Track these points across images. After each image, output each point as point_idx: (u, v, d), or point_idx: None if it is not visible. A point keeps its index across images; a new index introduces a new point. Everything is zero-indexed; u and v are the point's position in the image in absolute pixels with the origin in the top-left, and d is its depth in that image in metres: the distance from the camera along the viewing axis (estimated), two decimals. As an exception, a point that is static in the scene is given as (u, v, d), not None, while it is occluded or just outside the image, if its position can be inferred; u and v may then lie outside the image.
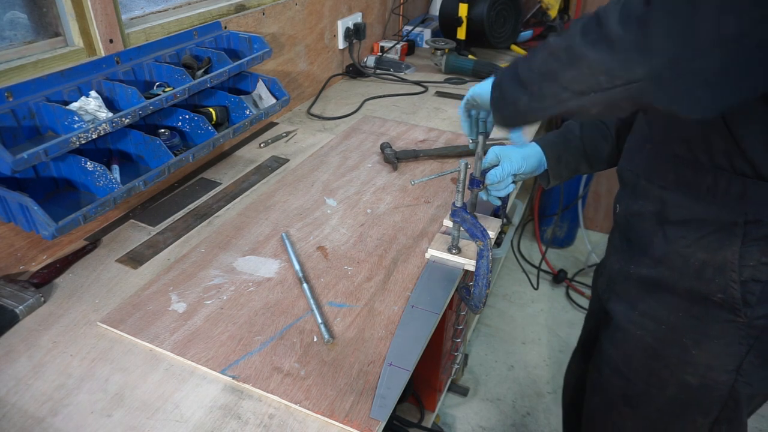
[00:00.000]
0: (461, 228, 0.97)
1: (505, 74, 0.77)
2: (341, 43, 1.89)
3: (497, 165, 1.00)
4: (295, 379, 0.78)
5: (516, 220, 2.54)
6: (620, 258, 0.95)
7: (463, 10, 1.94)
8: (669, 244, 0.84)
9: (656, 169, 0.84)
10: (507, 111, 0.78)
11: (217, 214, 1.17)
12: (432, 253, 1.02)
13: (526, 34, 2.29)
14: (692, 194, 0.79)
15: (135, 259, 1.04)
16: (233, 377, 0.78)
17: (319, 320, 0.87)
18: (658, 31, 0.54)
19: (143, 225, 1.14)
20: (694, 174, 0.78)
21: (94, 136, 0.95)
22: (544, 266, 2.67)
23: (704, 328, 0.84)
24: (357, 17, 1.94)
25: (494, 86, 0.80)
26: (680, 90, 0.56)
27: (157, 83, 1.17)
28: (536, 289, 2.52)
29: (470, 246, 1.03)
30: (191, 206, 1.20)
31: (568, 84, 0.65)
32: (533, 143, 1.05)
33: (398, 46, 2.08)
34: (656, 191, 0.84)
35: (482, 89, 0.88)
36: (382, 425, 0.72)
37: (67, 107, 0.98)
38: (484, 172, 1.00)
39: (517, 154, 1.01)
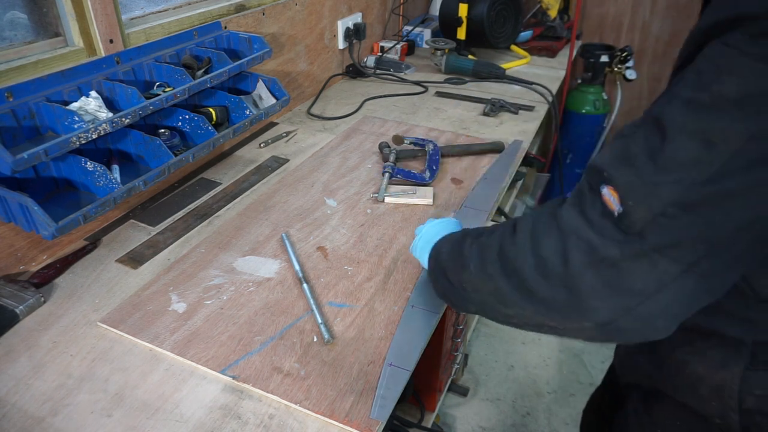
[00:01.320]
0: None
1: (438, 260, 0.78)
2: (341, 43, 1.89)
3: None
4: (295, 379, 0.78)
5: (516, 220, 2.54)
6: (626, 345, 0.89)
7: (463, 10, 1.94)
8: (672, 347, 0.74)
9: None
10: (437, 289, 0.81)
11: (217, 214, 1.17)
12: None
13: (526, 34, 2.29)
14: None
15: (135, 259, 1.04)
16: (233, 377, 0.78)
17: (319, 320, 0.87)
18: (591, 293, 0.54)
19: (143, 225, 1.14)
20: None
21: (94, 136, 0.95)
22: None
23: None
24: (357, 17, 1.94)
25: (430, 257, 0.82)
26: (637, 327, 0.54)
27: (157, 83, 1.17)
28: (536, 289, 2.52)
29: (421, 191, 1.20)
30: (191, 206, 1.20)
31: (503, 317, 0.66)
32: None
33: (398, 46, 2.08)
34: None
35: (423, 240, 0.88)
36: (382, 425, 0.72)
37: (67, 107, 0.98)
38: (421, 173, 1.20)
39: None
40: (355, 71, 1.95)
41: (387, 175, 1.22)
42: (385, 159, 1.31)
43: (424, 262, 0.86)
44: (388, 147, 1.38)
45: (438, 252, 0.79)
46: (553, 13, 2.27)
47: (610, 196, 0.54)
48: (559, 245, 0.56)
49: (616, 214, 0.53)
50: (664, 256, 0.51)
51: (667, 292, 0.52)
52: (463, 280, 0.70)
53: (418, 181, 1.24)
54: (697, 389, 0.71)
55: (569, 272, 0.54)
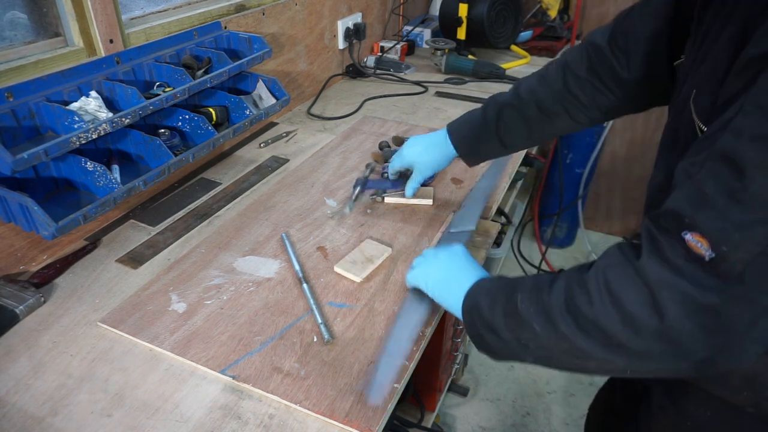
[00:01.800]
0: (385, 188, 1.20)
1: (479, 315, 0.73)
2: (341, 43, 1.89)
3: (409, 173, 1.12)
4: (295, 379, 0.78)
5: (516, 220, 2.55)
6: None
7: (463, 10, 1.94)
8: None
9: None
10: (479, 342, 0.76)
11: (217, 214, 1.17)
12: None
13: (526, 34, 2.29)
14: None
15: (135, 259, 1.04)
16: (233, 377, 0.78)
17: (319, 320, 0.87)
18: (691, 340, 0.53)
19: (143, 225, 1.14)
20: None
21: (94, 136, 0.95)
22: (544, 266, 2.67)
23: None
24: (357, 17, 1.94)
25: (465, 311, 0.76)
26: (732, 360, 0.54)
27: (157, 83, 1.17)
28: (536, 289, 2.52)
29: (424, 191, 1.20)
30: (191, 206, 1.20)
31: (579, 368, 0.64)
32: (446, 143, 1.07)
33: (398, 46, 2.08)
34: None
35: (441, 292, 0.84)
36: (383, 426, 0.72)
37: (67, 107, 0.98)
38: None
39: (429, 164, 1.08)
40: (355, 71, 1.95)
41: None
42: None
43: (425, 288, 0.86)
44: (389, 146, 1.38)
45: (475, 307, 0.74)
46: (553, 13, 2.27)
47: (697, 242, 0.52)
48: (647, 299, 0.55)
49: (706, 259, 0.52)
50: (763, 293, 0.51)
51: (763, 322, 0.52)
52: (523, 337, 0.67)
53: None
54: (729, 380, 0.72)
55: (666, 325, 0.53)
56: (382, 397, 0.74)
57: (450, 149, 1.06)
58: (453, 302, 0.79)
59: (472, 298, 0.76)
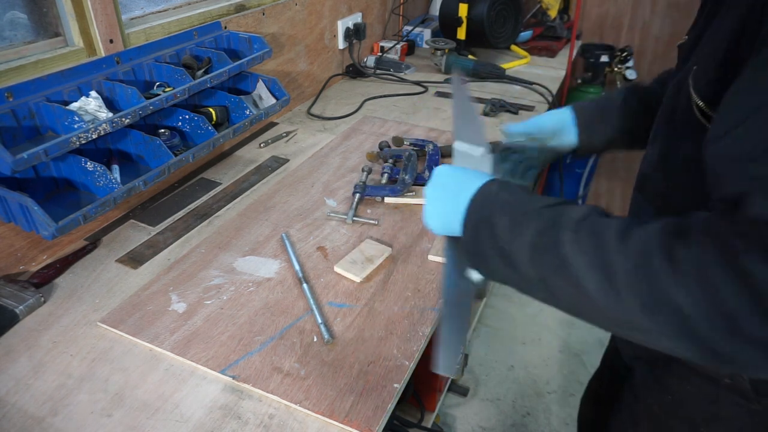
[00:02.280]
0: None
1: (485, 229, 0.62)
2: (341, 43, 1.89)
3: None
4: (295, 379, 0.78)
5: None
6: None
7: (463, 10, 1.94)
8: None
9: None
10: (475, 261, 0.65)
11: (217, 214, 1.17)
12: (432, 258, 1.02)
13: (526, 34, 2.29)
14: None
15: (135, 259, 1.04)
16: (233, 377, 0.78)
17: (319, 320, 0.87)
18: None
19: (143, 225, 1.14)
20: None
21: (94, 136, 0.95)
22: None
23: (714, 409, 0.77)
24: (357, 17, 1.94)
25: (467, 226, 0.64)
26: None
27: (157, 83, 1.17)
28: (536, 289, 2.52)
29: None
30: (191, 206, 1.20)
31: (605, 328, 0.57)
32: (566, 108, 0.97)
33: (398, 46, 2.08)
34: None
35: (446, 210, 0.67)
36: (383, 426, 0.72)
37: (67, 107, 0.98)
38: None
39: (537, 119, 0.96)
40: (355, 71, 1.95)
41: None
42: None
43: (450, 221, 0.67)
44: (389, 147, 1.38)
45: (485, 222, 0.62)
46: (553, 13, 2.27)
47: None
48: (755, 306, 0.48)
49: None
50: None
51: None
52: (555, 284, 0.57)
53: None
54: None
55: None
56: (452, 368, 0.64)
57: (568, 118, 0.96)
58: (450, 215, 0.66)
59: (480, 208, 0.63)
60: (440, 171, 0.70)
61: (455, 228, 0.66)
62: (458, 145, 0.77)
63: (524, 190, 0.64)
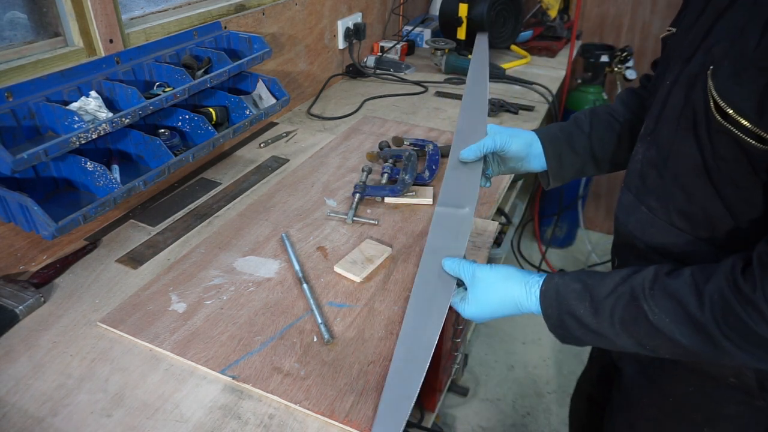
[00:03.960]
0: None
1: (569, 319, 0.69)
2: (341, 43, 1.89)
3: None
4: (295, 379, 0.78)
5: (516, 220, 2.54)
6: None
7: (463, 10, 1.94)
8: None
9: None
10: (569, 341, 0.73)
11: (217, 215, 1.17)
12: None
13: (526, 34, 2.29)
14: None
15: (135, 259, 1.04)
16: (233, 377, 0.78)
17: (319, 320, 0.87)
18: None
19: (143, 225, 1.14)
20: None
21: (94, 136, 0.95)
22: (544, 266, 2.67)
23: (716, 408, 0.78)
24: (357, 17, 1.94)
25: (550, 318, 0.71)
26: None
27: (157, 83, 1.17)
28: (536, 289, 2.51)
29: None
30: (191, 206, 1.20)
31: (702, 360, 0.66)
32: (530, 132, 0.95)
33: (398, 46, 2.08)
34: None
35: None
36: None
37: (67, 107, 0.98)
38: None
39: (505, 133, 0.92)
40: (355, 71, 1.95)
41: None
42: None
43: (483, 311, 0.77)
44: (389, 147, 1.38)
45: (570, 313, 0.69)
46: (553, 13, 2.27)
47: None
48: None
49: None
50: None
51: None
52: (651, 345, 0.65)
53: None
54: None
55: None
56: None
57: (533, 138, 0.95)
58: (520, 303, 0.74)
59: (556, 303, 0.71)
60: (480, 277, 0.77)
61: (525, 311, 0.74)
62: (440, 210, 0.89)
63: (584, 273, 0.71)
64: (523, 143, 0.93)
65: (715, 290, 0.59)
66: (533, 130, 0.97)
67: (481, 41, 1.12)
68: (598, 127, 0.95)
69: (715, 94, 0.62)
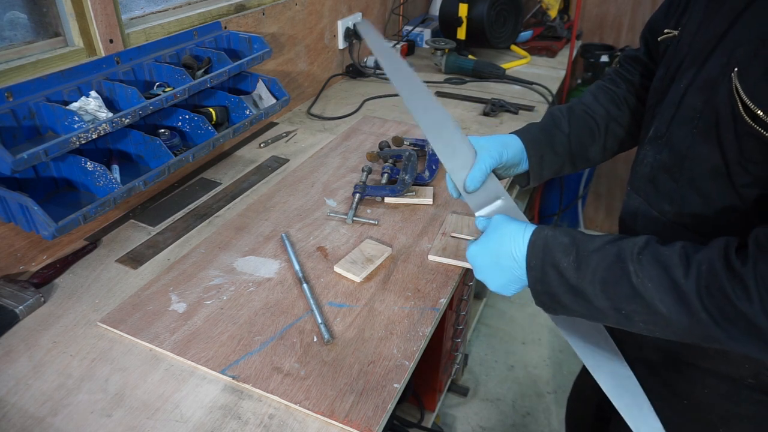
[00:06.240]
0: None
1: (551, 271, 0.67)
2: (341, 43, 1.89)
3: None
4: (295, 379, 0.78)
5: (516, 220, 2.54)
6: None
7: (463, 10, 1.94)
8: None
9: None
10: (546, 302, 0.70)
11: (217, 214, 1.17)
12: (433, 258, 1.02)
13: (526, 34, 2.29)
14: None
15: (135, 259, 1.04)
16: (233, 377, 0.78)
17: (319, 320, 0.87)
18: None
19: (143, 225, 1.14)
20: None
21: (94, 136, 0.95)
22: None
23: (733, 407, 0.76)
24: (357, 17, 1.94)
25: (532, 268, 0.69)
26: None
27: (157, 83, 1.17)
28: (536, 289, 2.52)
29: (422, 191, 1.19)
30: (191, 206, 1.20)
31: (681, 340, 0.62)
32: (513, 136, 0.91)
33: (398, 46, 2.08)
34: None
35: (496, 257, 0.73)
36: (383, 426, 0.72)
37: (67, 107, 0.98)
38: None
39: (495, 143, 0.85)
40: (355, 71, 1.95)
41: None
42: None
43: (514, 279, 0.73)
44: (389, 147, 1.38)
45: (553, 265, 0.67)
46: (553, 13, 2.27)
47: None
48: None
49: None
50: None
51: None
52: (630, 309, 0.62)
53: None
54: (728, 354, 0.73)
55: None
56: None
57: (524, 157, 0.92)
58: (504, 263, 0.72)
59: (541, 253, 0.68)
60: (494, 220, 0.76)
61: (512, 277, 0.72)
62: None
63: (577, 232, 0.69)
64: (514, 150, 0.89)
65: (705, 260, 0.58)
66: (512, 132, 0.93)
67: (365, 30, 0.85)
68: (576, 126, 0.94)
69: (744, 95, 0.61)
